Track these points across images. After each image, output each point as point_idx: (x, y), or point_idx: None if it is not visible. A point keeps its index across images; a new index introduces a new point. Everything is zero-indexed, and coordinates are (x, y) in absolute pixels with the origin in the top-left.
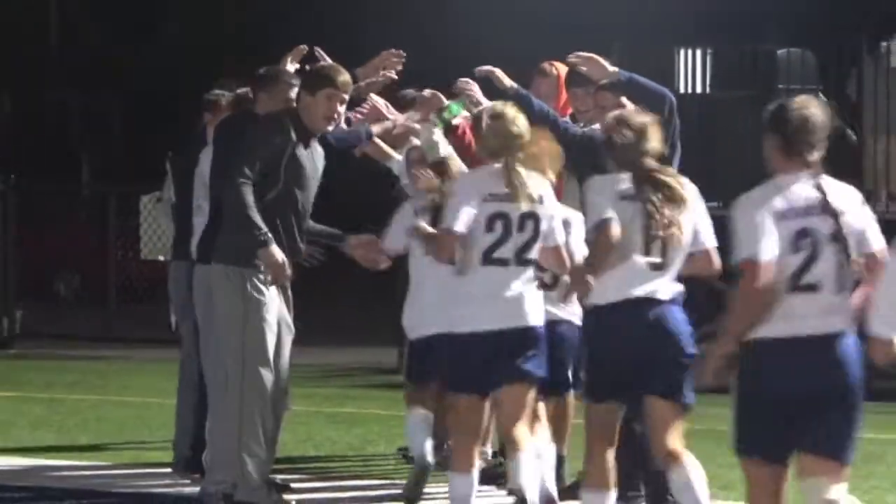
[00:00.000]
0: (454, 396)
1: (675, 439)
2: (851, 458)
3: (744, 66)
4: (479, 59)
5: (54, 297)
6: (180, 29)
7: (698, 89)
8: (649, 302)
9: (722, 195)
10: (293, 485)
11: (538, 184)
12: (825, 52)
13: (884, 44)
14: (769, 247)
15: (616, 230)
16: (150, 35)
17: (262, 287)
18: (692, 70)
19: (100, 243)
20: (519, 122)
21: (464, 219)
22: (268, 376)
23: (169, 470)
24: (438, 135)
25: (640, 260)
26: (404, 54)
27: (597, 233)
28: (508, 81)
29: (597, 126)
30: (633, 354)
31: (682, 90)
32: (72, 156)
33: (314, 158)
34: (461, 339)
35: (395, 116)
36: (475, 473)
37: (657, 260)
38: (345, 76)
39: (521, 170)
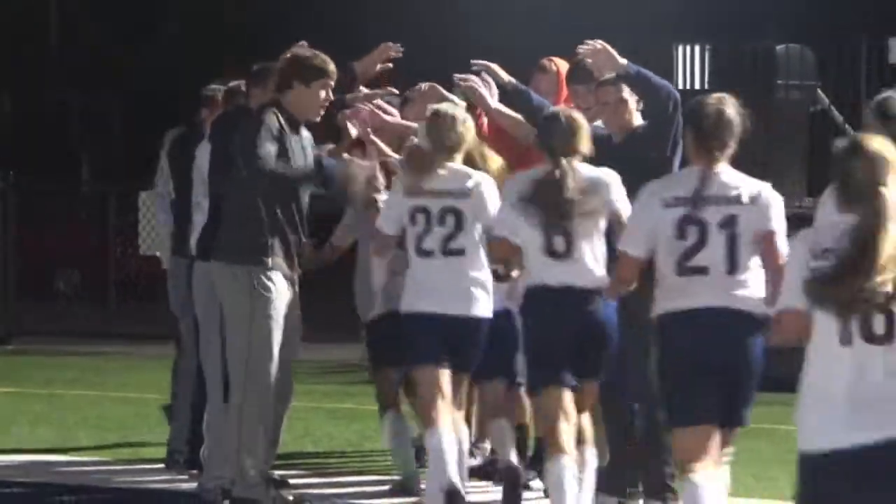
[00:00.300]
0: (411, 370)
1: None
2: (747, 421)
3: (743, 63)
4: (478, 57)
5: (54, 295)
6: (180, 29)
7: (697, 86)
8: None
9: None
10: (292, 480)
11: (463, 178)
12: (824, 50)
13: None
14: (637, 242)
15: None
16: (150, 35)
17: (269, 284)
18: (691, 67)
19: (99, 241)
20: (455, 126)
21: (390, 217)
22: (271, 374)
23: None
24: None
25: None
26: (402, 47)
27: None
28: (506, 77)
29: (598, 123)
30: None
31: (680, 87)
32: (71, 155)
33: (304, 146)
34: (410, 317)
35: (392, 118)
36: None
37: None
38: (333, 66)
39: (452, 165)
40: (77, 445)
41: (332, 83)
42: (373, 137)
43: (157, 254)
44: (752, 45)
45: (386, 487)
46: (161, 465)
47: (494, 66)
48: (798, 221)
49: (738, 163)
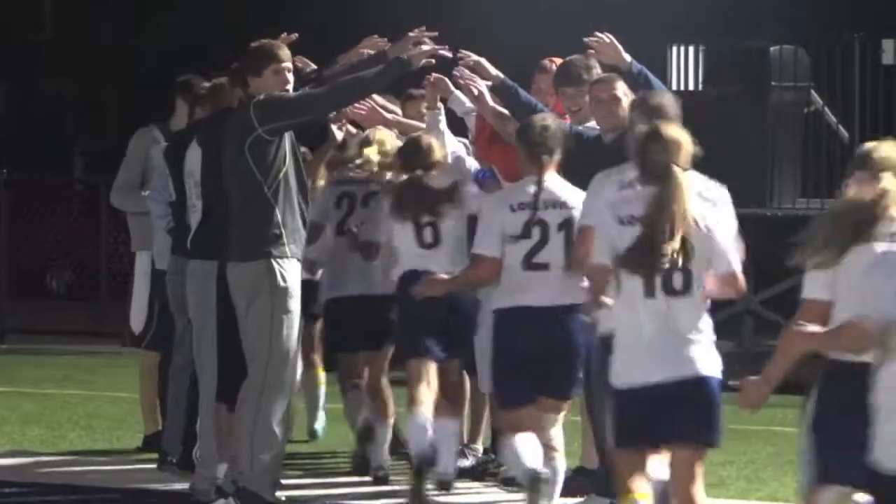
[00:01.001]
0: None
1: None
2: (570, 394)
3: (736, 63)
4: (476, 54)
5: (46, 292)
6: (175, 20)
7: (690, 86)
8: None
9: None
10: (285, 481)
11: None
12: (818, 51)
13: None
14: (487, 244)
15: None
16: (145, 27)
17: (287, 276)
18: (685, 66)
19: (92, 238)
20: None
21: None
22: (290, 371)
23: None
24: (444, 123)
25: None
26: (387, 41)
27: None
28: (494, 71)
29: (591, 124)
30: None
31: (674, 87)
32: (65, 149)
33: (285, 136)
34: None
35: (392, 115)
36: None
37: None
38: (283, 49)
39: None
40: (68, 445)
41: (285, 64)
42: (391, 117)
43: (147, 251)
44: (746, 46)
45: (380, 488)
46: (153, 466)
47: (482, 60)
48: (792, 221)
49: (732, 163)
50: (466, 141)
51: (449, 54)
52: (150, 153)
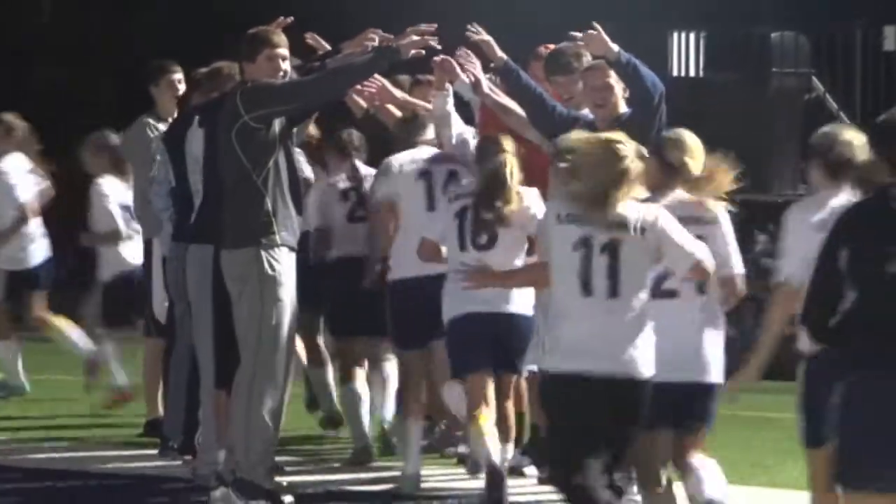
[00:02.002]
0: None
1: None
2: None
3: (737, 50)
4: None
5: None
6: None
7: (692, 72)
8: None
9: None
10: (287, 468)
11: None
12: (819, 37)
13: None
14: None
15: None
16: (143, 13)
17: (277, 264)
18: (685, 53)
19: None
20: None
21: None
22: (281, 360)
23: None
24: (451, 105)
25: None
26: (386, 34)
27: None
28: (499, 53)
29: (584, 111)
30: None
31: (675, 73)
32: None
33: (275, 123)
34: None
35: (402, 94)
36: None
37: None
38: (279, 34)
39: None
40: (69, 431)
41: (280, 50)
42: (400, 96)
43: (153, 238)
44: (747, 32)
45: (379, 474)
46: (154, 451)
47: (490, 40)
48: None
49: (732, 150)
50: (474, 130)
51: (439, 46)
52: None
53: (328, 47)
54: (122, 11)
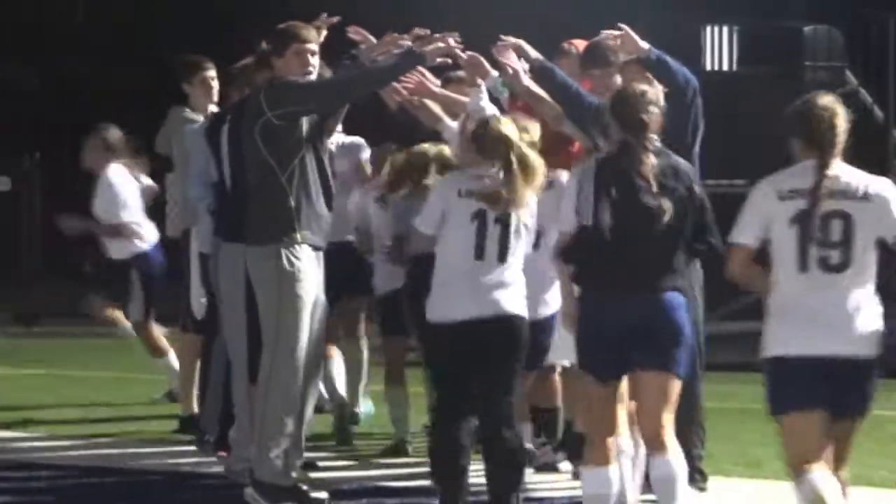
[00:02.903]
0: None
1: None
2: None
3: (770, 44)
4: (500, 33)
5: (79, 276)
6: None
7: (724, 66)
8: None
9: (747, 173)
10: (319, 463)
11: None
12: (852, 30)
13: None
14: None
15: None
16: (176, 8)
17: (296, 261)
18: (718, 47)
19: None
20: None
21: None
22: (298, 358)
23: (194, 448)
24: (486, 100)
25: None
26: (406, 40)
27: None
28: (534, 53)
29: None
30: None
31: (708, 67)
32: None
33: (302, 121)
34: None
35: (439, 89)
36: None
37: None
38: (308, 29)
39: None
40: (104, 428)
41: (309, 45)
42: (438, 90)
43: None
44: (780, 26)
45: (412, 470)
46: (189, 448)
47: (522, 43)
48: None
49: (766, 143)
50: None
51: (465, 56)
52: (184, 133)
53: (374, 40)
54: (157, 6)
